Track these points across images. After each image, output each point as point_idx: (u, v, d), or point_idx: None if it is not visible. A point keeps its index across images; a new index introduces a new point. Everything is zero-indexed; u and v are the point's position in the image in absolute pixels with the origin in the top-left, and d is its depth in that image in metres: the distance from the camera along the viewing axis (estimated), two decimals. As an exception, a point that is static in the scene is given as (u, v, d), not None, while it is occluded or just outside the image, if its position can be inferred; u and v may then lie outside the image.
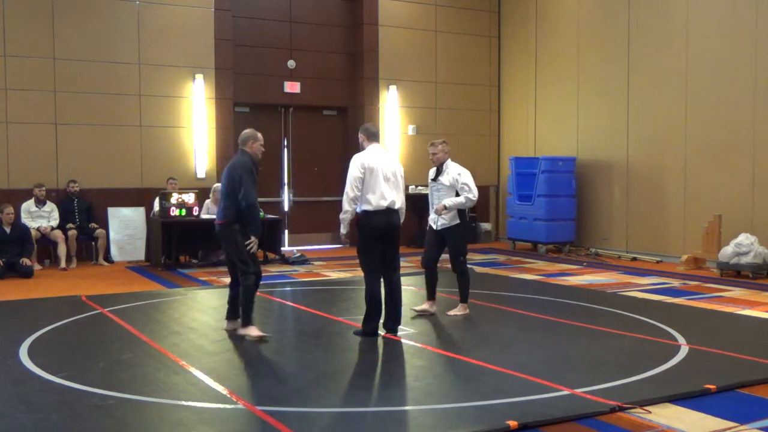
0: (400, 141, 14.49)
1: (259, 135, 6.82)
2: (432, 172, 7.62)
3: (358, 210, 6.52)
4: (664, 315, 7.47)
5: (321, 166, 14.36)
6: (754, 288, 9.25)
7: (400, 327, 6.80)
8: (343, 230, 6.57)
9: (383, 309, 6.59)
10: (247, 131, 6.83)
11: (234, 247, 6.55)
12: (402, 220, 6.77)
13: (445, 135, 14.89)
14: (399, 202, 6.65)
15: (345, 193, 6.46)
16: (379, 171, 6.50)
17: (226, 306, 6.83)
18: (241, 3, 13.38)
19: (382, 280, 6.60)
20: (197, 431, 4.34)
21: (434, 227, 7.58)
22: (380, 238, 6.52)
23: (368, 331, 6.53)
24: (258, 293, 8.71)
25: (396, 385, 5.08)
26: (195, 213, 11.24)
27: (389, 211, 6.54)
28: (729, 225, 10.71)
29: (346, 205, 6.47)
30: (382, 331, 6.55)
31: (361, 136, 6.78)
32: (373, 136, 6.76)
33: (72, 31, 11.95)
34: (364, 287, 6.55)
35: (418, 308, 7.61)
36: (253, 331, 6.44)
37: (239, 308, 6.57)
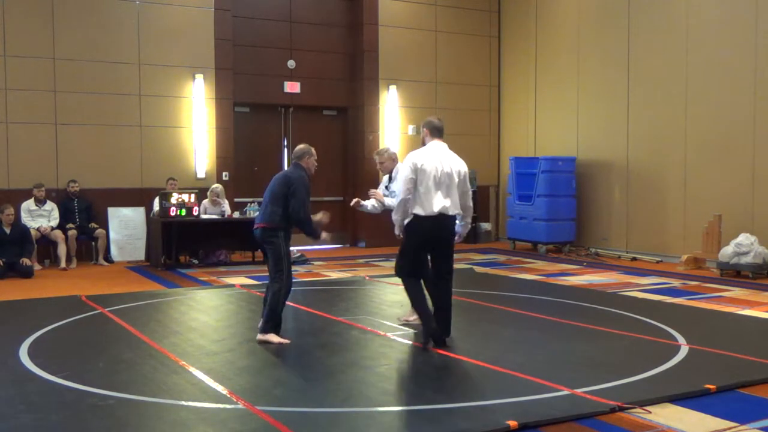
0: (400, 141, 14.48)
1: (313, 150, 6.63)
2: (385, 179, 7.28)
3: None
4: (664, 315, 7.47)
5: (321, 166, 14.22)
6: (754, 288, 9.26)
7: (402, 326, 6.80)
8: (396, 231, 6.21)
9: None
10: (303, 146, 6.60)
11: (274, 253, 6.35)
12: (466, 226, 6.36)
13: (445, 135, 14.87)
14: (455, 207, 6.11)
15: (396, 195, 6.14)
16: (431, 173, 5.99)
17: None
18: (241, 3, 13.38)
19: (424, 285, 6.18)
20: (197, 431, 4.34)
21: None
22: (425, 245, 6.12)
23: (427, 333, 6.07)
24: (258, 293, 8.73)
25: (396, 385, 5.08)
26: (195, 213, 11.24)
27: (441, 217, 6.02)
28: (729, 225, 10.71)
29: (397, 208, 6.08)
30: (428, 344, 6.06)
31: (423, 131, 6.34)
32: (437, 131, 6.27)
33: (72, 31, 11.95)
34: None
35: (409, 318, 7.06)
36: (273, 339, 6.27)
37: None
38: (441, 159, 6.08)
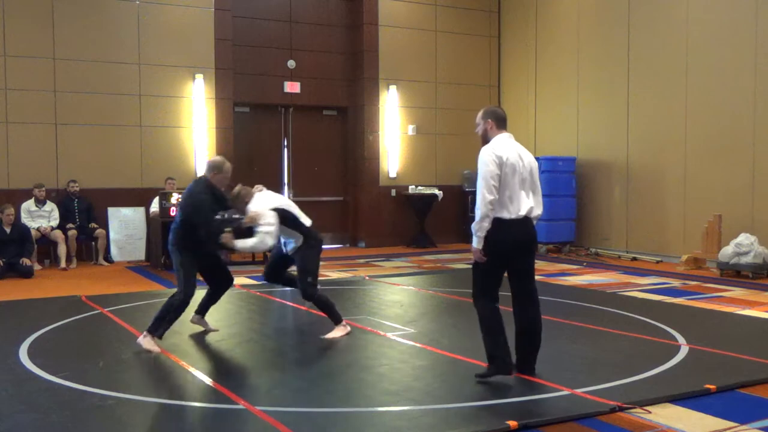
0: (400, 141, 14.49)
1: (228, 166, 6.29)
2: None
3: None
4: (664, 315, 7.46)
5: (321, 166, 14.36)
6: (754, 288, 9.25)
7: (402, 327, 6.80)
8: (477, 245, 5.02)
9: (515, 345, 5.27)
10: (216, 159, 6.38)
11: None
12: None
13: (445, 135, 14.96)
14: (538, 208, 5.25)
15: (480, 195, 4.99)
16: (517, 168, 5.10)
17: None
18: (241, 3, 13.38)
19: (499, 307, 5.20)
20: (197, 431, 4.34)
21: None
22: (511, 256, 5.13)
23: (493, 370, 5.11)
24: (258, 293, 8.74)
25: (396, 385, 5.07)
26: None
27: (527, 221, 5.14)
28: (729, 225, 10.70)
29: (484, 211, 4.97)
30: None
31: (487, 123, 5.27)
32: (503, 123, 5.31)
33: (72, 31, 11.95)
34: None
35: (336, 335, 6.53)
36: (146, 343, 5.99)
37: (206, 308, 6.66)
38: (520, 153, 5.22)
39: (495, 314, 5.14)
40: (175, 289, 6.32)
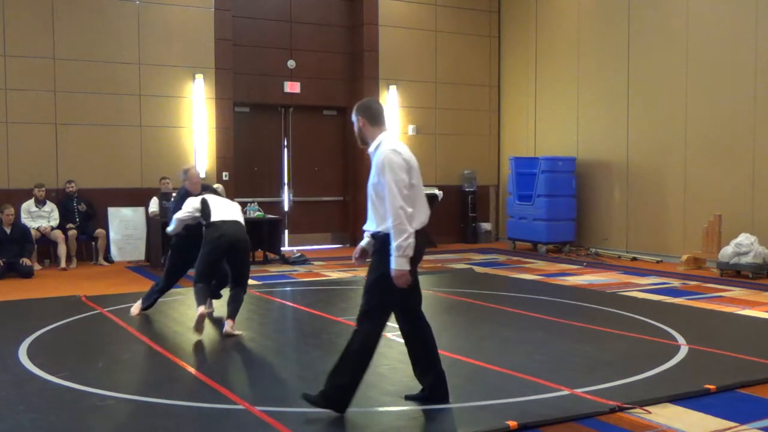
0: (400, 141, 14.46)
1: (192, 172, 7.74)
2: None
3: (373, 231, 4.50)
4: (664, 315, 7.46)
5: (321, 166, 14.36)
6: (754, 288, 9.25)
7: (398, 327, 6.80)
8: (405, 266, 4.32)
9: (420, 374, 4.74)
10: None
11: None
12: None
13: (445, 135, 14.96)
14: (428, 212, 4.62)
15: (396, 208, 4.28)
16: (417, 172, 4.51)
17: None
18: (241, 3, 13.38)
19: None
20: (197, 431, 4.33)
21: None
22: (415, 270, 4.53)
23: (328, 404, 4.43)
24: (258, 293, 8.73)
25: (396, 385, 5.07)
26: (195, 213, 11.22)
27: (424, 231, 4.53)
28: (729, 225, 10.70)
29: (407, 227, 4.29)
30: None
31: (359, 120, 4.58)
32: (379, 119, 4.58)
33: (72, 31, 11.95)
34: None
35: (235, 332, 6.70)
36: (135, 309, 7.44)
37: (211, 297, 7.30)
38: (411, 154, 4.53)
39: (377, 344, 4.50)
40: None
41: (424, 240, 4.48)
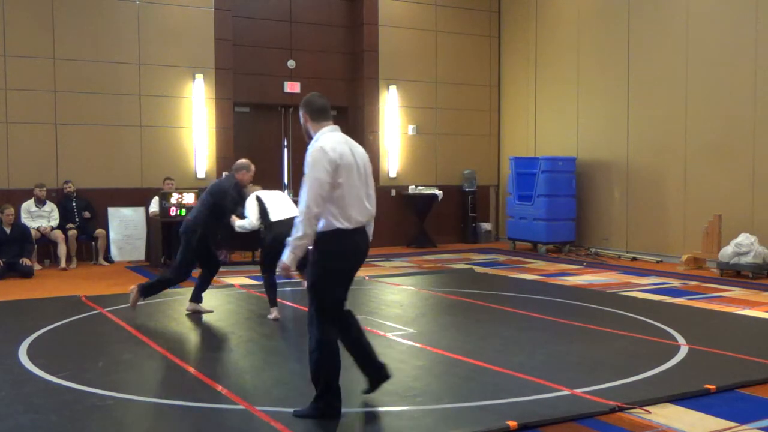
0: (400, 141, 14.49)
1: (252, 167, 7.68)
2: None
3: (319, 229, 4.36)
4: (664, 315, 7.46)
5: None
6: (754, 288, 9.25)
7: (402, 327, 6.79)
8: (288, 260, 4.29)
9: (361, 368, 4.75)
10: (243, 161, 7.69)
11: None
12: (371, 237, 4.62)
13: (445, 135, 14.96)
14: (374, 210, 4.58)
15: (304, 207, 4.24)
16: (353, 167, 4.40)
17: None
18: (241, 3, 13.38)
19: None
20: (197, 431, 4.33)
21: None
22: (353, 269, 4.52)
23: (318, 411, 4.43)
24: (258, 293, 8.73)
25: (396, 385, 5.07)
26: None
27: (365, 230, 4.52)
28: (729, 225, 10.70)
29: (306, 229, 4.24)
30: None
31: (302, 115, 4.58)
32: (320, 113, 4.56)
33: (72, 31, 11.95)
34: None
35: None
36: (134, 292, 7.43)
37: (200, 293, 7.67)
38: (353, 149, 4.50)
39: (336, 344, 4.44)
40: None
41: (363, 240, 4.48)
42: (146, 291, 7.50)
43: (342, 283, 4.47)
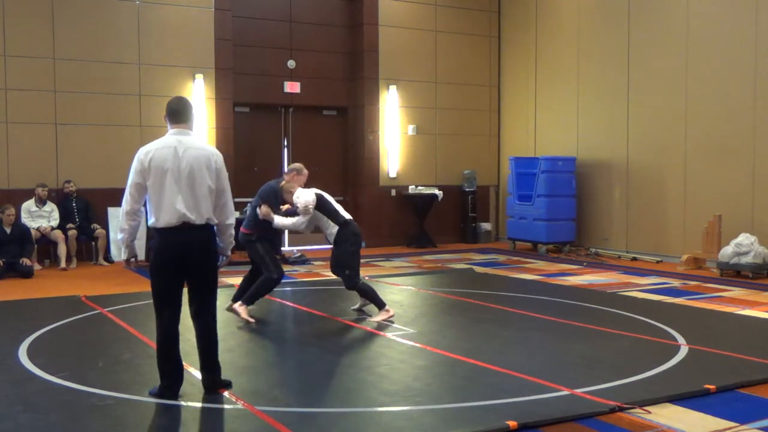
0: (400, 141, 14.48)
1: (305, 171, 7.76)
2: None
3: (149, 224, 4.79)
4: (664, 315, 7.46)
5: (321, 166, 14.32)
6: (754, 288, 9.25)
7: (402, 327, 6.79)
8: (123, 255, 4.88)
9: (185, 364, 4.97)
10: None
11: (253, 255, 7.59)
12: (229, 241, 4.94)
13: (445, 135, 14.97)
14: (204, 213, 4.71)
15: (122, 203, 4.76)
16: (168, 168, 4.63)
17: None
18: (241, 3, 13.37)
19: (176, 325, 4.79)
20: (197, 431, 4.33)
21: None
22: (173, 267, 4.70)
23: (160, 392, 4.77)
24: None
25: (396, 385, 5.07)
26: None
27: (185, 228, 4.67)
28: (729, 225, 10.70)
29: (122, 224, 4.76)
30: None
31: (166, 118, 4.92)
32: (174, 116, 4.86)
33: (72, 31, 11.94)
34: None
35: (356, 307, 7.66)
36: (243, 312, 7.11)
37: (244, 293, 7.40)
38: (180, 150, 4.71)
39: (169, 332, 4.72)
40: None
41: (177, 240, 4.70)
42: (251, 299, 7.26)
43: (159, 275, 4.74)
